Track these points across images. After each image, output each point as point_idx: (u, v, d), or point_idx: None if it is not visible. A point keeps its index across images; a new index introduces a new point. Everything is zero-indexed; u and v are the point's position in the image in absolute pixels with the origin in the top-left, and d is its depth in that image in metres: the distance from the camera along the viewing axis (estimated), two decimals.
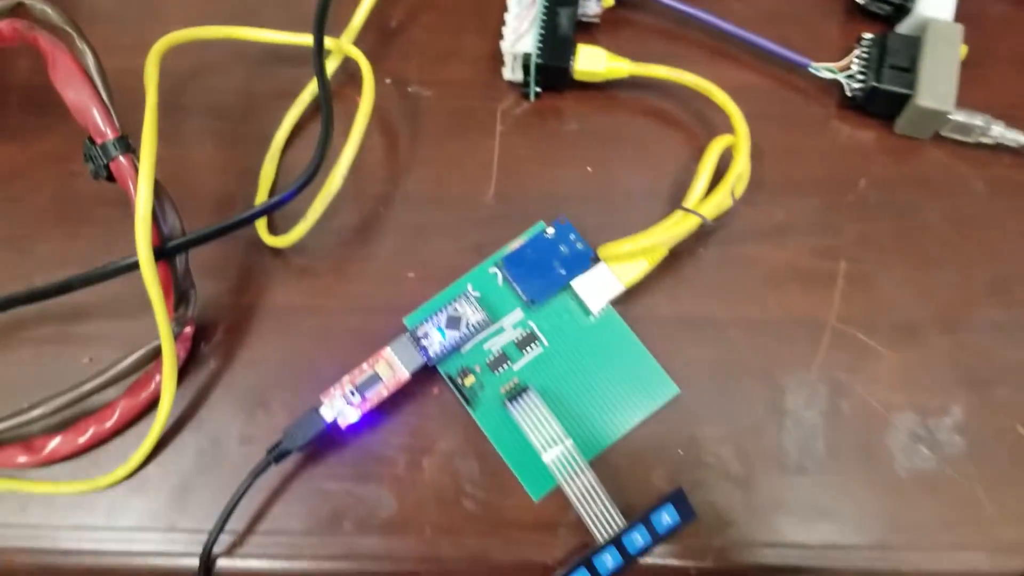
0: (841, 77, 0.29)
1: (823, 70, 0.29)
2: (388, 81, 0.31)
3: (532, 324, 0.27)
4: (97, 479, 0.26)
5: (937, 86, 0.28)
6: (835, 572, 0.25)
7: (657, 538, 0.25)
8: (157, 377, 0.26)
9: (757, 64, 0.31)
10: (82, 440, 0.26)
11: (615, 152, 0.30)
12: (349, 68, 0.31)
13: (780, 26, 0.31)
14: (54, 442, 0.26)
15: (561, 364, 0.26)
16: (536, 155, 0.30)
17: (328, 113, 0.27)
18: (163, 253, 0.25)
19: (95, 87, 0.24)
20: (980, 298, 0.27)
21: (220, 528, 0.25)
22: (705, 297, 0.28)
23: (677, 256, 0.28)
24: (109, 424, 0.26)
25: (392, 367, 0.25)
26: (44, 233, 0.30)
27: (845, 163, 0.29)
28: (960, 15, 0.30)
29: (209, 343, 0.28)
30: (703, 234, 0.28)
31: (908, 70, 0.28)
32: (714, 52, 0.31)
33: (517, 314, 0.27)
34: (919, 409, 0.26)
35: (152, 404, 0.26)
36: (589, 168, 0.30)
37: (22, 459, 0.26)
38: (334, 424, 0.25)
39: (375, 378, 0.25)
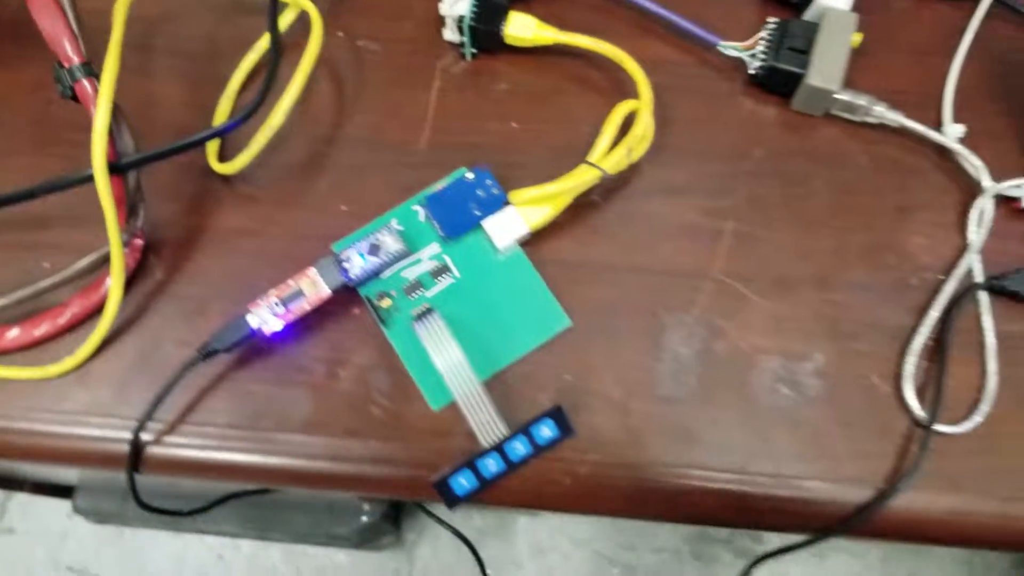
0: (745, 55, 0.32)
1: (730, 48, 0.32)
2: (341, 35, 0.34)
3: (447, 257, 0.30)
4: (47, 367, 0.29)
5: (827, 68, 0.31)
6: (695, 491, 0.28)
7: (537, 448, 0.28)
8: (107, 281, 0.29)
9: (675, 40, 0.34)
10: (37, 333, 0.29)
11: (539, 111, 0.33)
12: (306, 21, 0.34)
13: (702, 7, 0.34)
14: (12, 332, 0.29)
15: (469, 294, 0.30)
16: (468, 109, 0.33)
17: (275, 56, 0.30)
18: (116, 168, 0.28)
19: (66, 18, 0.27)
20: (852, 261, 0.30)
21: (149, 415, 0.28)
22: (605, 244, 0.31)
23: (585, 207, 0.31)
24: (62, 320, 0.29)
25: (315, 284, 0.28)
26: (18, 151, 0.33)
27: (744, 134, 0.32)
28: (865, 7, 0.33)
29: (158, 256, 0.31)
30: (610, 188, 0.31)
31: (804, 52, 0.31)
32: (639, 27, 0.34)
33: (434, 247, 0.30)
34: (784, 354, 0.29)
35: (101, 305, 0.30)
36: (514, 124, 0.32)
37: None
38: (259, 331, 0.28)
39: (299, 293, 0.28)
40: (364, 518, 0.73)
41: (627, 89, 0.32)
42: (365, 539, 0.77)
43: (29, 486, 0.73)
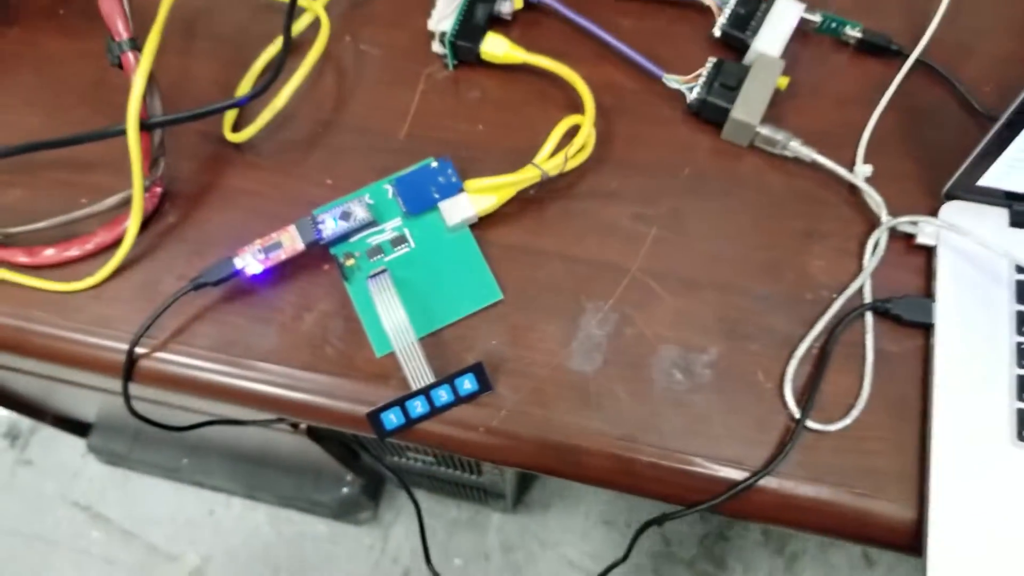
0: (684, 88, 0.36)
1: (672, 81, 0.37)
2: (348, 39, 0.40)
3: (406, 230, 0.35)
4: (71, 283, 0.35)
5: (751, 104, 0.35)
6: (591, 452, 0.32)
7: (459, 398, 0.32)
8: (128, 219, 0.35)
9: (629, 69, 0.38)
10: (67, 254, 0.36)
11: (503, 117, 0.38)
12: (319, 24, 0.40)
13: (656, 43, 0.39)
14: (48, 251, 0.36)
15: (421, 262, 0.35)
16: (444, 110, 0.38)
17: (285, 49, 0.36)
18: (145, 126, 0.34)
19: (121, 2, 0.34)
20: (755, 273, 0.35)
21: (144, 330, 0.34)
22: (543, 234, 0.36)
23: (531, 200, 0.36)
24: (88, 246, 0.36)
25: (293, 239, 0.34)
26: (77, 105, 0.40)
27: (676, 154, 0.37)
28: (803, 56, 0.38)
29: (172, 204, 0.37)
30: (554, 187, 0.36)
31: (734, 89, 0.35)
32: (599, 55, 0.39)
33: (397, 221, 0.35)
34: (683, 344, 0.33)
35: (121, 238, 0.36)
36: (481, 126, 0.38)
37: (23, 259, 0.35)
38: (242, 272, 0.33)
39: (278, 244, 0.34)
40: (345, 489, 0.79)
41: (579, 106, 0.37)
42: (345, 510, 0.82)
43: (51, 418, 0.80)
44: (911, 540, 0.31)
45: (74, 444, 0.94)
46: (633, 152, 0.37)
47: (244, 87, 0.39)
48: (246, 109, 0.38)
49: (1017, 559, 0.30)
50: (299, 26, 0.40)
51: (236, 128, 0.38)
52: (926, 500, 0.31)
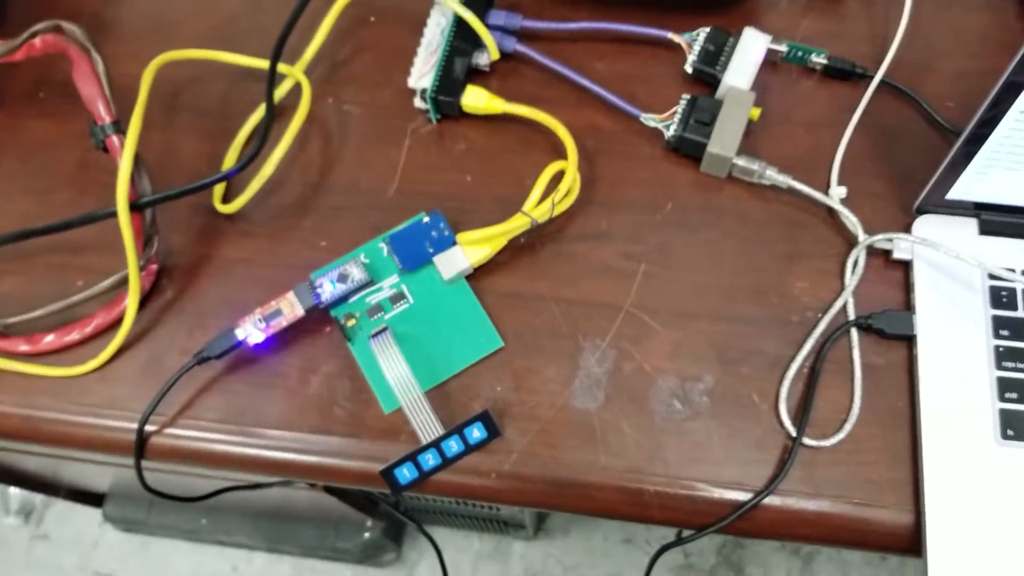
0: (661, 126, 0.38)
1: (650, 120, 0.38)
2: (330, 100, 0.41)
3: (403, 286, 0.36)
4: (74, 368, 0.36)
5: (726, 138, 0.36)
6: (599, 486, 0.33)
7: (469, 447, 0.33)
8: (126, 298, 0.35)
9: (607, 111, 0.40)
10: (67, 339, 0.36)
11: (489, 167, 0.39)
12: (302, 88, 0.41)
13: (631, 84, 0.40)
14: (48, 338, 0.36)
15: (421, 317, 0.36)
16: (431, 164, 0.39)
17: (269, 119, 0.37)
18: (136, 207, 0.34)
19: (101, 85, 0.34)
20: (742, 299, 0.36)
21: (152, 409, 0.34)
22: (537, 279, 0.37)
23: (523, 247, 0.37)
24: (88, 329, 0.36)
25: (292, 305, 0.34)
26: (64, 188, 0.40)
27: (659, 191, 0.38)
28: (771, 85, 0.39)
29: (169, 279, 0.37)
30: (544, 232, 0.37)
31: (708, 124, 0.37)
32: (578, 99, 0.40)
33: (394, 278, 0.36)
34: (679, 375, 0.35)
35: (121, 318, 0.36)
36: (468, 177, 0.39)
37: (24, 348, 0.36)
38: (244, 342, 0.34)
39: (278, 312, 0.34)
40: (367, 534, 0.79)
41: (562, 151, 0.38)
42: (368, 554, 0.82)
43: (64, 492, 0.79)
44: (910, 543, 0.33)
45: (90, 514, 0.92)
46: (617, 192, 0.38)
47: (231, 158, 0.40)
48: (235, 178, 0.39)
49: (1012, 552, 0.31)
50: (280, 92, 0.40)
51: (226, 199, 0.39)
52: (922, 504, 0.32)
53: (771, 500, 0.33)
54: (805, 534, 0.33)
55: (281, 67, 0.39)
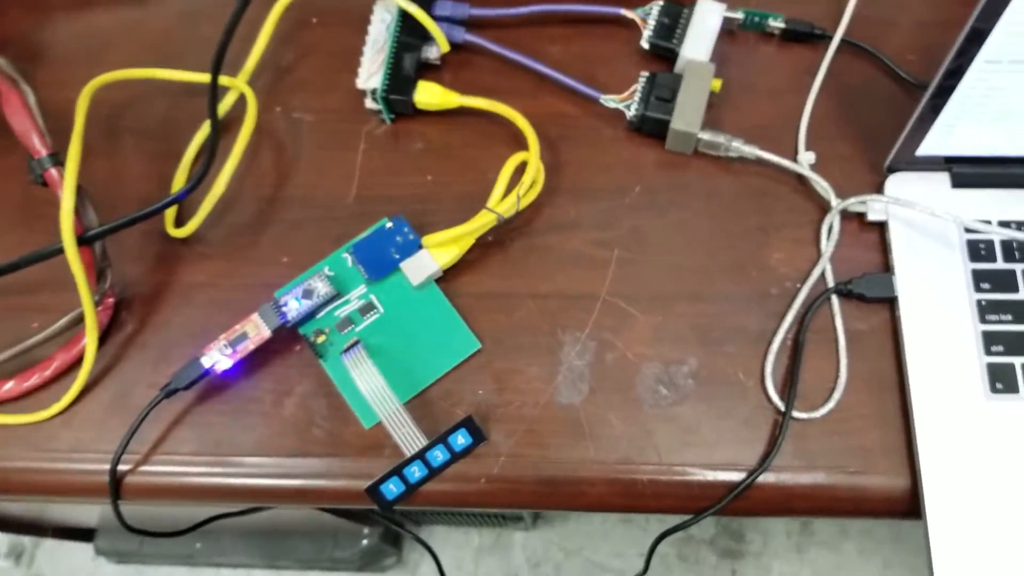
0: (622, 106, 0.37)
1: (610, 101, 0.37)
2: (278, 109, 0.39)
3: (372, 296, 0.35)
4: (38, 413, 0.34)
5: (688, 113, 0.36)
6: (591, 481, 0.33)
7: (455, 454, 0.32)
8: (84, 337, 0.34)
9: (566, 96, 0.39)
10: (28, 384, 0.34)
11: (449, 164, 0.38)
12: (247, 100, 0.39)
13: (588, 66, 0.39)
14: (8, 385, 0.34)
15: (393, 327, 0.34)
16: (389, 167, 0.38)
17: (215, 135, 0.35)
18: (83, 240, 0.33)
19: (34, 118, 0.33)
20: (720, 277, 0.35)
21: (123, 448, 0.33)
22: (509, 276, 0.36)
23: (492, 244, 0.36)
24: (48, 372, 0.34)
25: (258, 327, 0.33)
26: (8, 228, 0.38)
27: (626, 173, 0.37)
28: (731, 55, 0.38)
29: (129, 311, 0.36)
30: (513, 227, 0.36)
31: (669, 100, 0.36)
32: (535, 85, 0.39)
33: (361, 288, 0.35)
34: (663, 360, 0.34)
35: (81, 358, 0.34)
36: (429, 177, 0.38)
37: None
38: (212, 370, 0.33)
39: (244, 335, 0.33)
40: (364, 541, 0.78)
41: (523, 141, 0.37)
42: (367, 562, 0.81)
43: (51, 531, 0.77)
44: (909, 507, 0.32)
45: (82, 550, 0.90)
46: (584, 178, 0.37)
47: (179, 179, 0.38)
48: (186, 200, 0.37)
49: (1009, 504, 0.31)
50: (225, 105, 0.39)
51: (179, 222, 0.37)
52: (917, 466, 0.32)
53: (765, 477, 0.32)
54: (803, 508, 0.33)
55: (223, 80, 0.38)
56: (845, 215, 0.36)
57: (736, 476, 0.33)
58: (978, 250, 0.35)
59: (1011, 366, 0.33)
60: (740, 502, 0.33)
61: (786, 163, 0.36)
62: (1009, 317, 0.34)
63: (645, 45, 0.38)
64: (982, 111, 0.33)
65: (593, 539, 0.78)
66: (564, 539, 0.78)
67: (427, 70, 0.39)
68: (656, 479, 0.33)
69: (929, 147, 0.35)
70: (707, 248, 0.36)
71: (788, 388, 0.33)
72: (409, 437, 0.32)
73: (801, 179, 0.37)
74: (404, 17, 0.38)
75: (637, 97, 0.37)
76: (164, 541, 0.77)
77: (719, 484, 0.33)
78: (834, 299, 0.35)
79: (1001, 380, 0.33)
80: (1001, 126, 0.34)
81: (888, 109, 0.38)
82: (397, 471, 0.32)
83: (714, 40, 0.38)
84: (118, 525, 0.81)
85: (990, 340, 0.34)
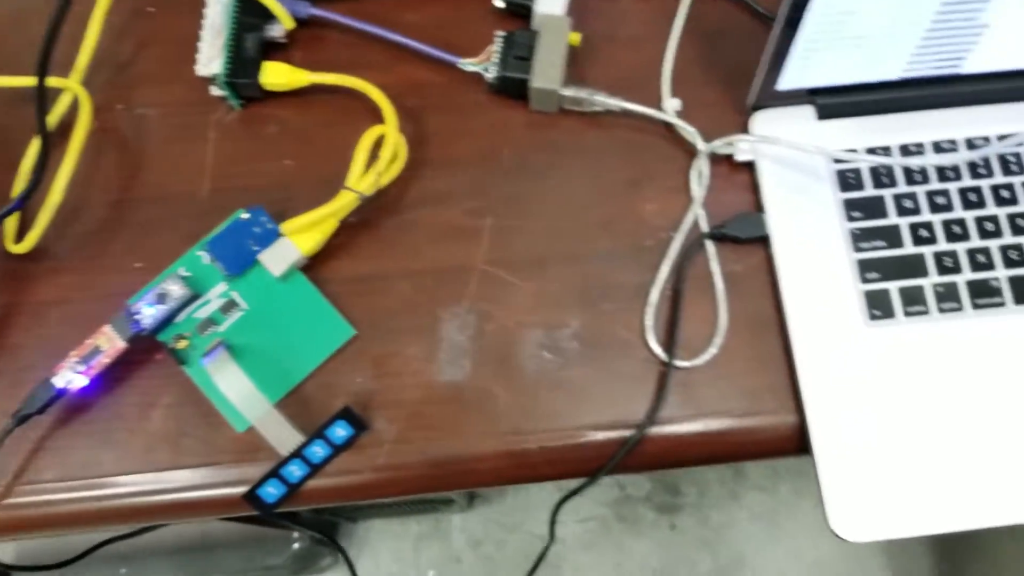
0: (480, 69, 0.35)
1: (468, 65, 0.36)
2: (120, 107, 0.37)
3: (234, 293, 0.33)
4: None
5: (547, 70, 0.34)
6: (481, 456, 0.32)
7: (337, 447, 0.31)
8: None
9: (424, 64, 0.37)
10: None
11: (308, 146, 0.36)
12: (80, 101, 0.36)
13: (445, 31, 0.37)
14: None
15: (259, 323, 0.33)
16: (243, 155, 0.36)
17: (44, 142, 0.33)
18: None
19: None
20: (595, 235, 0.34)
21: None
22: (381, 256, 0.34)
23: (360, 225, 0.34)
24: None
25: (111, 339, 0.31)
26: None
27: (493, 139, 0.36)
28: (590, 6, 0.37)
29: None
30: (380, 205, 0.35)
31: (527, 59, 0.35)
32: (393, 56, 0.37)
33: (221, 286, 0.33)
34: (545, 325, 0.33)
35: None
36: (288, 161, 0.36)
37: None
38: (66, 390, 0.31)
39: (96, 350, 0.31)
40: (296, 545, 0.76)
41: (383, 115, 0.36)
42: (302, 565, 0.79)
43: None
44: (800, 444, 0.32)
45: None
46: (451, 148, 0.36)
47: (18, 188, 0.35)
48: (28, 213, 0.34)
49: (895, 430, 0.31)
50: (61, 108, 0.36)
51: (20, 237, 0.35)
52: (801, 401, 0.32)
53: (656, 431, 0.32)
54: (697, 456, 0.33)
55: (54, 81, 0.35)
56: (715, 159, 0.35)
57: (627, 433, 0.32)
58: (847, 180, 0.35)
59: (886, 292, 0.33)
60: (634, 458, 0.32)
61: (651, 112, 0.35)
62: (882, 243, 0.34)
63: (500, 4, 0.37)
64: (836, 38, 0.33)
65: (532, 511, 0.78)
66: (503, 515, 0.78)
67: (276, 49, 0.37)
68: (547, 446, 0.32)
69: (790, 81, 0.35)
70: (580, 206, 0.35)
71: (669, 339, 0.33)
72: (284, 436, 0.31)
73: (669, 127, 0.36)
74: None
75: (495, 58, 0.35)
76: (85, 573, 0.74)
77: (611, 443, 0.32)
78: (709, 244, 0.34)
79: (878, 307, 0.33)
80: (858, 52, 0.33)
81: (751, 48, 0.37)
82: (275, 473, 0.31)
83: None
84: (36, 561, 0.76)
85: (865, 268, 0.34)
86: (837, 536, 0.30)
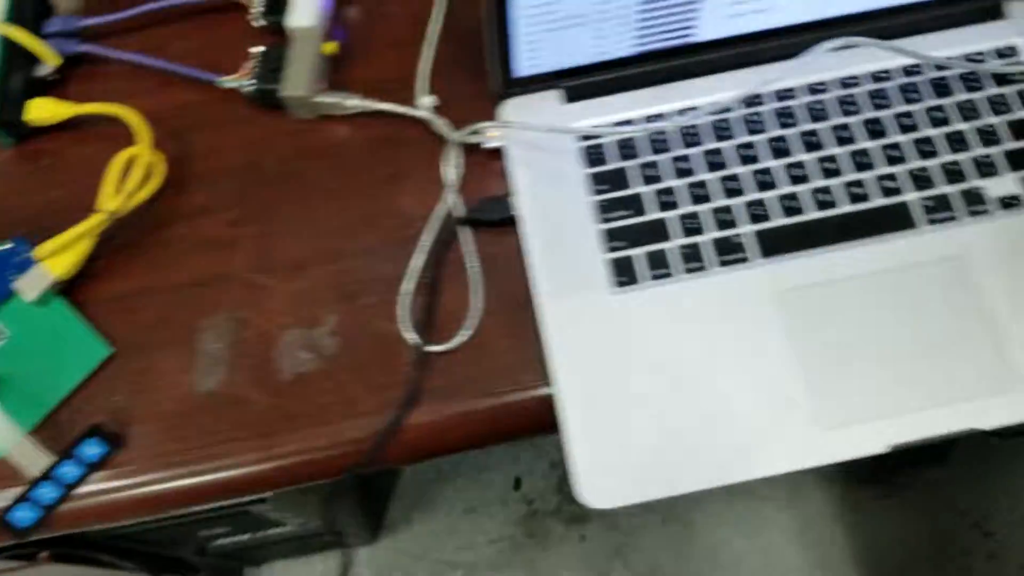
0: (238, 85, 0.37)
1: (227, 82, 0.37)
2: None
3: None
4: None
5: (297, 78, 0.36)
6: (235, 465, 0.31)
7: (91, 466, 0.31)
8: None
9: (191, 86, 0.38)
10: None
11: (82, 176, 0.36)
12: None
13: (211, 54, 0.39)
14: None
15: (20, 351, 0.33)
16: (18, 189, 0.37)
17: None
18: None
19: None
20: (357, 232, 0.35)
21: None
22: (143, 274, 0.35)
23: (123, 245, 0.35)
24: None
25: None
26: None
27: (256, 149, 0.37)
28: (352, 17, 0.38)
29: None
30: (141, 224, 0.35)
31: (280, 71, 0.36)
32: (161, 83, 0.38)
33: None
34: (303, 323, 0.33)
35: None
36: (59, 192, 0.36)
37: None
38: None
39: None
40: None
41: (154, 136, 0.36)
42: None
43: None
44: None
45: None
46: (214, 162, 0.37)
47: None
48: None
49: (638, 393, 0.31)
50: None
51: None
52: (552, 373, 0.32)
53: (415, 418, 0.32)
54: (461, 439, 0.32)
55: None
56: (471, 150, 0.36)
57: (383, 421, 0.32)
58: (592, 156, 0.35)
59: (630, 259, 0.33)
60: (396, 449, 0.32)
61: (404, 110, 0.36)
62: (627, 212, 0.34)
63: (262, 22, 0.39)
64: (552, 20, 0.33)
65: (438, 538, 0.76)
66: (409, 544, 0.76)
67: (50, 86, 0.38)
68: (302, 447, 0.32)
69: (526, 67, 0.36)
70: (340, 207, 0.36)
71: (421, 324, 0.33)
72: (36, 461, 0.31)
73: (425, 124, 0.37)
74: (8, 40, 0.37)
75: (253, 73, 0.37)
76: None
77: (370, 437, 0.32)
78: (463, 230, 0.35)
79: (624, 274, 0.33)
80: (584, 32, 0.34)
81: None
82: (25, 496, 0.30)
83: (321, 5, 0.38)
84: None
85: (611, 237, 0.34)
86: (587, 505, 0.29)
